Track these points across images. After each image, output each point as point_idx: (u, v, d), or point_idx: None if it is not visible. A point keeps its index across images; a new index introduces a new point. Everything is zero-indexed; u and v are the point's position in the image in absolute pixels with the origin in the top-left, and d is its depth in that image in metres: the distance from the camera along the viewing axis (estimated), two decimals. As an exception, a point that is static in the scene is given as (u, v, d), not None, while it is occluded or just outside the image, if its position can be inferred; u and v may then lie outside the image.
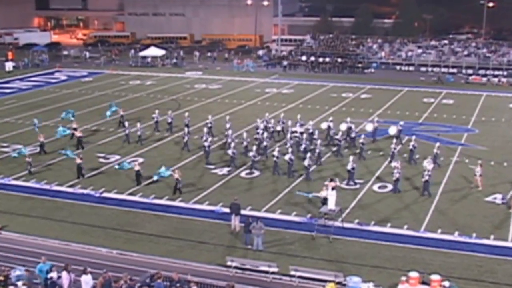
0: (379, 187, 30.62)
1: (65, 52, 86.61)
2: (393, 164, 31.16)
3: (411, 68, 72.60)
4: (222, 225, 26.03)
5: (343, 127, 38.50)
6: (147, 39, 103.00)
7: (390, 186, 30.52)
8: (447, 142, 39.06)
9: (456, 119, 45.82)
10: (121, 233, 25.31)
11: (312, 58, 73.93)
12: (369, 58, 75.37)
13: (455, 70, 69.68)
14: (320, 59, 73.59)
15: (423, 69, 71.43)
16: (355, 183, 30.99)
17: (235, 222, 25.42)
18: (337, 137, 36.33)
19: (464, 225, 25.87)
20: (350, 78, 65.95)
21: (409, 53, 74.97)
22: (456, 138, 40.42)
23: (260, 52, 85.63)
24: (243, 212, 25.86)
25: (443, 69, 70.31)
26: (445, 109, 49.49)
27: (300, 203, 28.37)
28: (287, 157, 31.95)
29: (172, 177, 30.09)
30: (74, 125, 39.84)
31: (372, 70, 71.59)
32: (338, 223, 25.47)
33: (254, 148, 33.88)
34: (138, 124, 38.93)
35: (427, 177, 29.24)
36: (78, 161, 32.05)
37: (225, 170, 33.15)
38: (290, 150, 32.82)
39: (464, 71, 69.05)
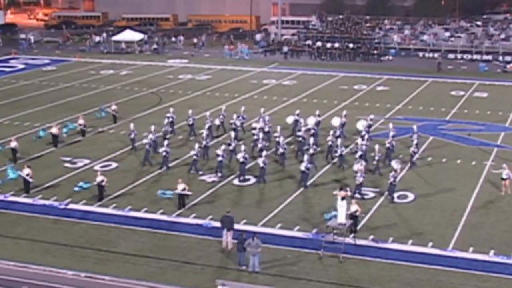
0: (399, 197, 30.65)
1: (22, 36, 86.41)
2: (355, 167, 31.37)
3: (436, 55, 72.66)
4: (211, 242, 26.02)
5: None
6: (121, 20, 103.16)
7: (411, 196, 30.60)
8: (480, 143, 39.16)
9: (491, 116, 45.96)
10: (91, 252, 25.23)
11: (319, 44, 74.09)
12: (386, 43, 75.55)
13: (490, 57, 69.91)
14: (328, 45, 73.73)
15: (451, 56, 71.64)
16: (306, 187, 31.47)
17: (227, 238, 25.41)
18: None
19: (501, 243, 25.88)
20: (364, 67, 66.16)
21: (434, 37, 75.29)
22: (491, 138, 40.53)
23: (257, 37, 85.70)
24: (236, 226, 25.84)
25: (476, 56, 70.52)
26: (478, 104, 49.64)
27: (303, 216, 28.41)
28: (239, 155, 32.68)
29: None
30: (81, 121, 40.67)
31: (390, 57, 71.85)
32: (349, 240, 25.50)
33: (196, 146, 34.35)
34: (152, 127, 37.28)
35: (392, 179, 29.87)
36: (26, 171, 31.14)
37: (214, 177, 33.20)
38: (243, 148, 33.46)
39: (500, 58, 69.31)
